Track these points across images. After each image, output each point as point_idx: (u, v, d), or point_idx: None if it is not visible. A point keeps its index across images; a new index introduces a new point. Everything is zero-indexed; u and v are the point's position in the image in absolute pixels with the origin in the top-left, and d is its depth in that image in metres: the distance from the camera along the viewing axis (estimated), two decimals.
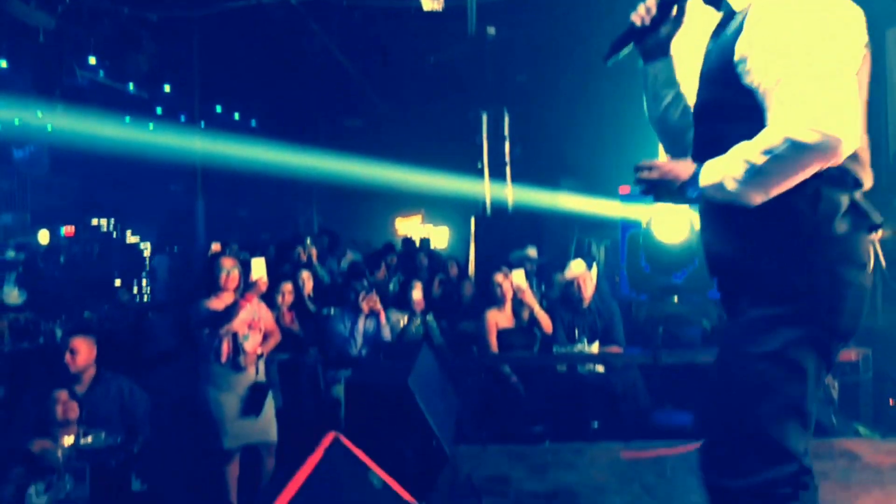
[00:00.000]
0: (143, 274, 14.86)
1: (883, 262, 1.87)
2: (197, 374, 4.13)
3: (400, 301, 5.78)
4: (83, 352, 3.93)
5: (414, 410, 3.35)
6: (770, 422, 1.78)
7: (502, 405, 5.20)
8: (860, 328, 1.83)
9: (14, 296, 7.22)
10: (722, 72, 1.85)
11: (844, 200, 1.77)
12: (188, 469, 4.30)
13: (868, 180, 1.81)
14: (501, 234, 8.96)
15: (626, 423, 4.99)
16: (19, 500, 3.00)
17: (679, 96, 2.10)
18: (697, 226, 4.94)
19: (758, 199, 1.74)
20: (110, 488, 3.11)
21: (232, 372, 4.08)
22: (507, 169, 10.25)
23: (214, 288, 4.16)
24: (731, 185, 1.74)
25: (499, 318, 5.40)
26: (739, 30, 1.81)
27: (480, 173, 10.21)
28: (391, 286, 7.16)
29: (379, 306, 5.36)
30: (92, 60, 10.15)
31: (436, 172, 11.94)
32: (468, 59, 11.04)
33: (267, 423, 4.20)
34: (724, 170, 1.75)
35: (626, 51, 2.07)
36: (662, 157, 2.01)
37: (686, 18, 2.06)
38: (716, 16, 1.99)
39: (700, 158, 1.85)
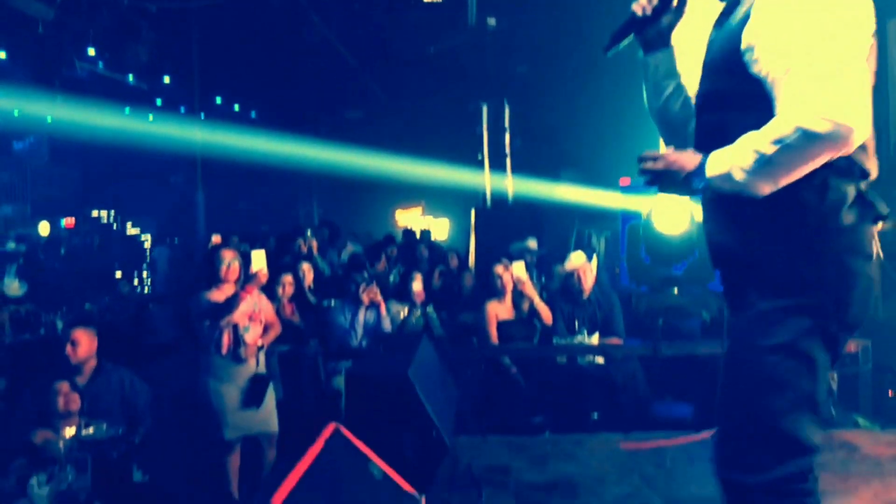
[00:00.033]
0: (144, 266, 14.87)
1: (881, 254, 1.86)
2: (197, 365, 4.14)
3: (400, 293, 5.79)
4: (84, 343, 3.94)
5: (414, 401, 3.35)
6: (785, 415, 1.76)
7: (502, 396, 5.22)
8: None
9: (15, 287, 7.23)
10: (727, 61, 1.83)
11: (851, 191, 1.75)
12: (189, 460, 4.31)
13: (874, 170, 1.79)
14: (502, 225, 8.97)
15: (625, 414, 5.01)
16: (21, 490, 3.01)
17: (680, 87, 2.08)
18: (698, 217, 4.94)
19: (766, 189, 1.72)
20: (112, 479, 3.12)
21: (232, 363, 4.09)
22: (508, 160, 10.25)
23: (215, 280, 4.16)
24: (738, 176, 1.72)
25: (499, 310, 5.41)
26: (746, 18, 1.78)
27: (481, 165, 10.22)
28: (391, 278, 7.17)
29: (379, 298, 5.37)
30: (91, 52, 10.13)
31: (436, 164, 11.94)
32: (468, 51, 11.02)
33: (268, 414, 4.21)
34: (732, 160, 1.73)
35: (626, 41, 2.05)
36: (663, 149, 2.00)
37: (687, 8, 2.04)
38: (718, 5, 1.97)
39: (704, 149, 1.83)
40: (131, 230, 17.20)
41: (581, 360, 5.35)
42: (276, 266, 5.88)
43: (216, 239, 8.15)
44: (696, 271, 5.24)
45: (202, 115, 12.65)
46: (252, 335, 4.17)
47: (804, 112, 1.63)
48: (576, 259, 5.58)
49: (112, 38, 9.74)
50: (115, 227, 17.09)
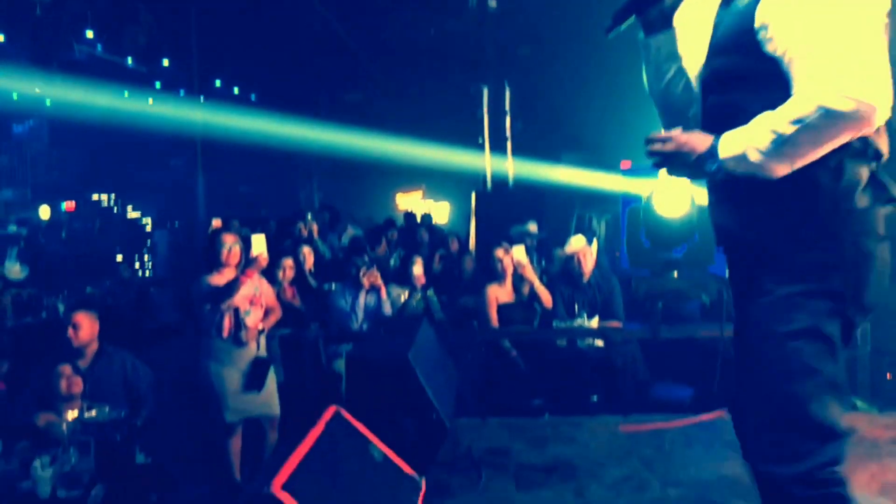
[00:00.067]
0: (145, 249, 14.89)
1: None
2: (198, 348, 4.16)
3: (401, 276, 5.79)
4: (86, 327, 3.95)
5: (414, 384, 3.37)
6: (813, 401, 1.72)
7: (502, 379, 5.24)
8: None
9: (16, 271, 7.24)
10: (738, 40, 1.79)
11: (865, 173, 1.72)
12: (191, 442, 4.34)
13: (886, 151, 1.76)
14: (502, 209, 8.95)
15: (624, 397, 5.03)
16: (25, 473, 3.04)
17: (682, 70, 2.04)
18: (698, 200, 4.92)
19: (781, 171, 1.68)
20: (115, 461, 3.14)
21: (233, 347, 4.10)
22: (508, 143, 10.22)
23: (216, 264, 4.17)
24: (754, 157, 1.68)
25: (499, 293, 5.42)
26: None
27: (481, 148, 10.18)
28: (392, 261, 7.17)
29: (380, 281, 5.38)
30: (90, 34, 10.06)
31: (437, 147, 11.90)
32: (469, 32, 10.93)
33: (269, 397, 4.23)
34: (748, 140, 1.69)
35: (628, 23, 2.02)
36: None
37: None
38: None
39: (712, 131, 1.79)
40: (132, 214, 17.19)
41: (581, 343, 5.36)
42: (277, 250, 5.87)
43: (217, 223, 8.14)
44: (696, 254, 5.22)
45: (202, 98, 12.60)
46: (253, 319, 4.18)
47: (826, 90, 1.59)
48: (576, 242, 5.58)
49: (110, 21, 9.68)
50: (115, 210, 17.08)
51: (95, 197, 17.00)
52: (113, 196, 17.16)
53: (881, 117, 1.60)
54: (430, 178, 15.32)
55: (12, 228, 12.00)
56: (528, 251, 5.80)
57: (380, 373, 3.47)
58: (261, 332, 4.25)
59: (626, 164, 8.73)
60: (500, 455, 4.14)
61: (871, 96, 1.57)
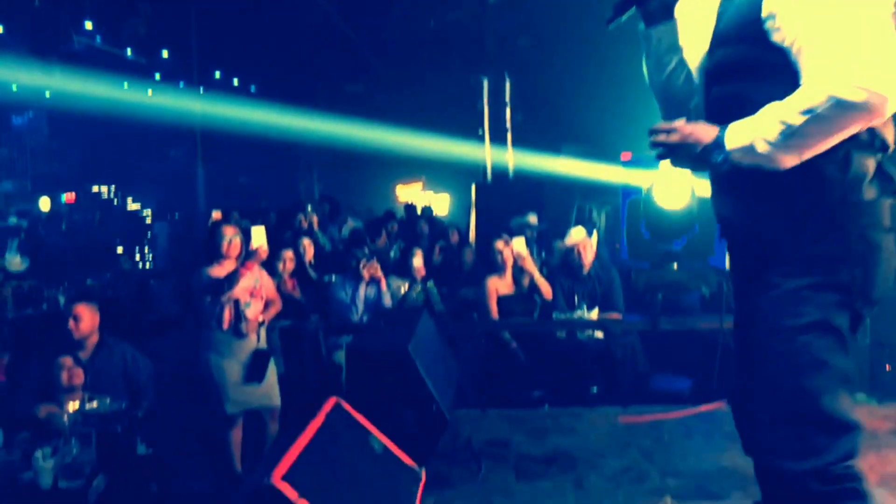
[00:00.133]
0: (145, 241, 14.88)
1: None
2: (199, 340, 4.17)
3: (401, 268, 5.79)
4: (86, 318, 3.95)
5: (414, 376, 3.37)
6: (825, 395, 1.70)
7: (502, 371, 5.25)
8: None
9: (17, 263, 7.23)
10: (743, 30, 1.77)
11: (872, 164, 1.71)
12: (192, 433, 4.36)
13: (893, 142, 1.74)
14: (502, 200, 8.94)
15: (624, 388, 5.04)
16: (26, 464, 3.05)
17: (683, 62, 2.02)
18: (698, 192, 4.91)
19: (789, 162, 1.66)
20: (116, 452, 3.16)
21: (234, 338, 4.11)
22: (508, 135, 10.19)
23: (216, 256, 4.17)
24: (762, 147, 1.66)
25: (499, 285, 5.42)
26: None
27: (481, 139, 10.15)
28: (392, 253, 7.17)
29: (380, 273, 5.38)
30: (89, 25, 10.03)
31: (437, 139, 11.87)
32: (469, 24, 10.90)
33: (269, 388, 4.24)
34: (755, 131, 1.67)
35: (629, 13, 2.00)
36: None
37: None
38: None
39: (717, 122, 1.77)
40: (132, 205, 17.18)
41: (580, 335, 5.37)
42: (277, 242, 5.88)
43: (216, 215, 8.15)
44: (696, 246, 5.22)
45: (201, 89, 12.57)
46: (253, 311, 4.19)
47: (837, 80, 1.57)
48: (576, 234, 5.58)
49: (110, 12, 9.65)
50: (115, 202, 17.07)
51: (95, 189, 16.99)
52: (113, 188, 17.15)
53: (892, 107, 1.58)
54: (431, 170, 15.29)
55: (12, 220, 11.98)
56: (528, 243, 5.80)
57: (380, 364, 3.47)
58: (261, 323, 4.26)
59: (626, 155, 8.70)
60: (499, 446, 4.15)
61: (883, 86, 1.55)
